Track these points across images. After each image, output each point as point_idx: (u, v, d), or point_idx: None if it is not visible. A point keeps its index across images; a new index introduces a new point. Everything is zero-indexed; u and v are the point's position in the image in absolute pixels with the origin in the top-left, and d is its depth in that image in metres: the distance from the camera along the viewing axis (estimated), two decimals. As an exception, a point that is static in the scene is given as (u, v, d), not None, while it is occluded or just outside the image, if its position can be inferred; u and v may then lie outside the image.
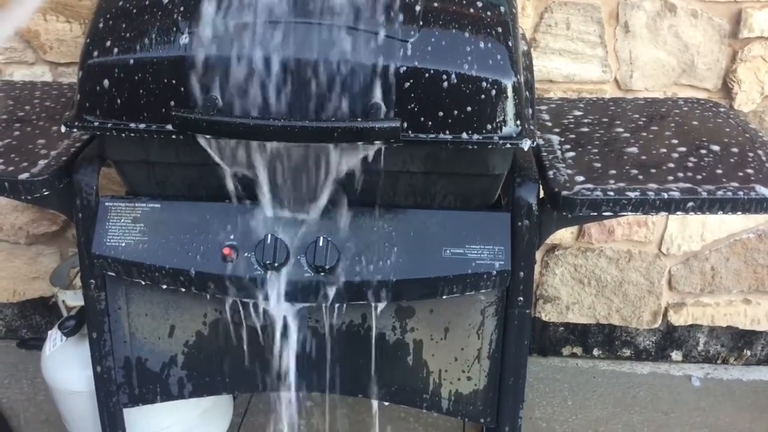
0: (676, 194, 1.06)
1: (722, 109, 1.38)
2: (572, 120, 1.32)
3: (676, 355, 2.01)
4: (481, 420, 1.28)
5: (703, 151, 1.18)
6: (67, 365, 1.41)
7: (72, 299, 1.42)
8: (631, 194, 1.06)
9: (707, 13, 1.62)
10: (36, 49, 1.70)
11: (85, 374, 1.31)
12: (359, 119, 0.98)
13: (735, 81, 1.67)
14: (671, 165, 1.14)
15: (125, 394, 1.27)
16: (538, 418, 1.81)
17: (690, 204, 1.06)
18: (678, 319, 1.94)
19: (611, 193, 1.06)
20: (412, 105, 0.99)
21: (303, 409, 1.30)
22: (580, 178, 1.10)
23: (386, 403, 1.27)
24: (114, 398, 1.27)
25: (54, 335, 1.44)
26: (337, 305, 1.15)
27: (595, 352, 2.01)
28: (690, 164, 1.14)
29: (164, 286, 1.14)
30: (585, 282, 1.89)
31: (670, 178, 1.10)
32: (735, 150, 1.19)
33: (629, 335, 1.98)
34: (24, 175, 1.09)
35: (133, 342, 1.23)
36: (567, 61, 1.67)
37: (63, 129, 1.06)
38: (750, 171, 1.12)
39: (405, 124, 0.99)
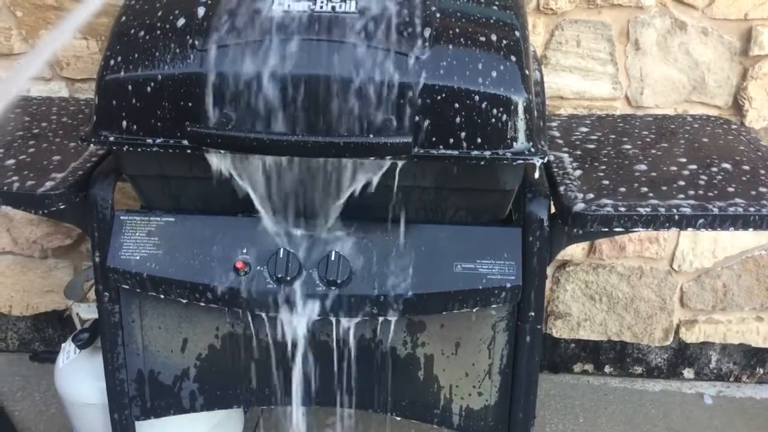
0: (687, 210, 1.06)
1: (733, 127, 1.38)
2: (582, 136, 1.33)
3: (688, 372, 2.00)
4: (491, 436, 1.28)
5: (714, 169, 1.19)
6: (81, 377, 1.42)
7: (86, 312, 1.44)
8: (642, 210, 1.06)
9: (717, 30, 1.63)
10: (53, 65, 1.73)
11: (98, 386, 1.32)
12: (371, 135, 0.99)
13: (746, 98, 1.67)
14: (682, 182, 1.14)
15: (137, 407, 1.28)
16: (549, 435, 1.81)
17: (701, 220, 1.06)
18: (690, 336, 1.93)
19: (622, 209, 1.06)
20: (424, 121, 1.00)
21: (313, 422, 1.30)
22: (591, 195, 1.10)
23: (397, 418, 1.27)
24: (126, 411, 1.28)
25: (67, 348, 1.46)
26: (348, 319, 1.15)
27: (607, 369, 2.00)
28: (701, 182, 1.14)
29: (177, 299, 1.15)
30: (596, 298, 1.89)
31: (681, 195, 1.10)
32: (746, 168, 1.19)
33: (641, 352, 1.98)
34: (41, 189, 1.10)
35: (146, 355, 1.24)
36: (577, 77, 1.68)
37: (80, 144, 1.07)
38: (763, 189, 1.12)
39: (416, 140, 1.00)
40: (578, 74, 1.67)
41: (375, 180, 1.04)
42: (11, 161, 1.19)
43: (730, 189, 1.12)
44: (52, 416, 1.83)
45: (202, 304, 1.15)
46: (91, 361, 1.41)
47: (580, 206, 1.07)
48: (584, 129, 1.36)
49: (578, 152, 1.26)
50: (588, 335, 1.94)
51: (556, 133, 1.34)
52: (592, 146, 1.28)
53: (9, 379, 1.96)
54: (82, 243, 1.90)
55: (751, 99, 1.67)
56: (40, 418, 1.84)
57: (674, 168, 1.19)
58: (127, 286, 1.17)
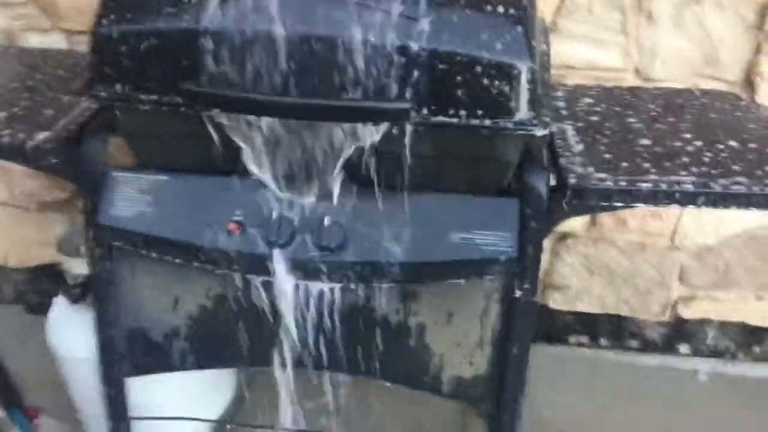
0: (690, 187, 1.04)
1: (743, 103, 1.35)
2: (587, 108, 1.30)
3: (684, 348, 1.99)
4: (481, 405, 1.27)
5: (720, 146, 1.16)
6: (72, 332, 1.42)
7: (79, 267, 1.43)
8: (643, 186, 1.04)
9: (733, 3, 1.59)
10: (52, 16, 1.70)
11: (89, 342, 1.31)
12: (369, 99, 0.96)
13: (758, 74, 1.63)
14: (685, 159, 1.12)
15: (128, 364, 1.28)
16: (542, 406, 1.81)
17: (702, 198, 1.05)
18: (688, 312, 1.92)
19: (623, 184, 1.04)
20: (424, 87, 0.97)
21: (304, 386, 1.30)
22: (592, 168, 1.08)
23: (388, 384, 1.27)
24: (117, 367, 1.28)
25: (59, 302, 1.45)
26: (340, 285, 1.14)
27: (602, 341, 2.00)
28: (705, 159, 1.12)
29: (168, 258, 1.14)
30: (595, 271, 1.88)
31: (684, 172, 1.08)
32: (754, 146, 1.17)
33: (637, 326, 1.97)
34: (31, 143, 1.09)
35: (137, 312, 1.24)
36: (587, 47, 1.64)
37: (73, 98, 1.05)
38: (768, 168, 1.10)
39: (415, 106, 0.98)
40: (588, 43, 1.63)
41: (371, 146, 1.03)
42: (3, 113, 1.17)
43: (735, 167, 1.10)
44: (46, 367, 1.83)
45: (195, 264, 1.14)
46: (82, 315, 1.40)
47: (580, 180, 1.05)
48: (590, 100, 1.33)
49: (582, 124, 1.23)
50: (585, 308, 1.94)
51: (561, 104, 1.32)
52: (596, 118, 1.26)
53: (4, 330, 1.97)
54: (78, 197, 1.89)
55: (763, 75, 1.63)
56: (33, 369, 1.84)
57: (679, 144, 1.17)
58: (118, 244, 1.16)
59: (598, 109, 1.30)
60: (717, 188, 1.04)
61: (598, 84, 1.46)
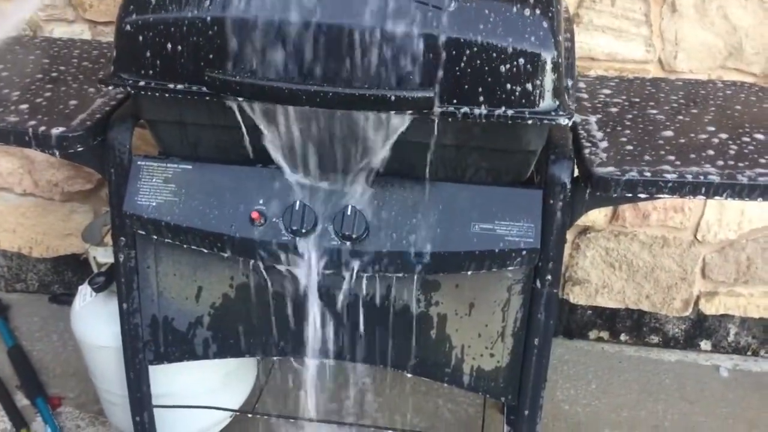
0: (716, 178, 1.03)
1: (769, 95, 1.34)
2: (609, 100, 1.29)
3: (705, 344, 1.98)
4: (501, 398, 1.27)
5: (746, 139, 1.15)
6: (96, 320, 1.43)
7: (103, 256, 1.44)
8: (668, 176, 1.03)
9: (759, -6, 1.57)
10: (76, 6, 1.71)
11: (113, 330, 1.33)
12: (392, 88, 0.96)
13: (784, 66, 1.62)
14: (710, 152, 1.10)
15: (151, 352, 1.29)
16: (561, 400, 1.81)
17: (728, 190, 1.03)
18: (709, 308, 1.91)
19: (648, 174, 1.03)
20: (447, 76, 0.97)
21: (325, 375, 1.31)
22: (616, 159, 1.07)
23: (408, 375, 1.27)
24: (140, 355, 1.29)
25: (84, 291, 1.47)
26: (362, 275, 1.14)
27: (623, 337, 1.99)
28: (731, 151, 1.11)
29: (192, 247, 1.15)
30: (616, 266, 1.87)
31: (708, 165, 1.07)
32: (780, 138, 1.15)
33: (658, 322, 1.96)
34: (57, 131, 1.10)
35: (160, 301, 1.25)
36: (610, 38, 1.63)
37: (99, 88, 1.06)
38: (796, 160, 1.09)
39: (439, 96, 0.97)
40: (611, 35, 1.62)
41: (394, 135, 1.03)
42: (26, 105, 1.17)
43: (762, 160, 1.08)
44: (69, 357, 1.86)
45: (214, 252, 1.14)
46: (106, 304, 1.42)
47: (604, 170, 1.04)
48: (612, 92, 1.32)
49: (605, 115, 1.22)
50: (605, 302, 1.93)
51: (584, 95, 1.31)
52: (618, 110, 1.25)
53: (28, 320, 1.99)
54: (102, 188, 1.91)
55: (789, 68, 1.62)
56: (56, 359, 1.87)
57: (703, 136, 1.15)
58: (143, 232, 1.17)
59: (618, 100, 1.29)
60: (744, 180, 1.03)
61: (619, 75, 1.45)
